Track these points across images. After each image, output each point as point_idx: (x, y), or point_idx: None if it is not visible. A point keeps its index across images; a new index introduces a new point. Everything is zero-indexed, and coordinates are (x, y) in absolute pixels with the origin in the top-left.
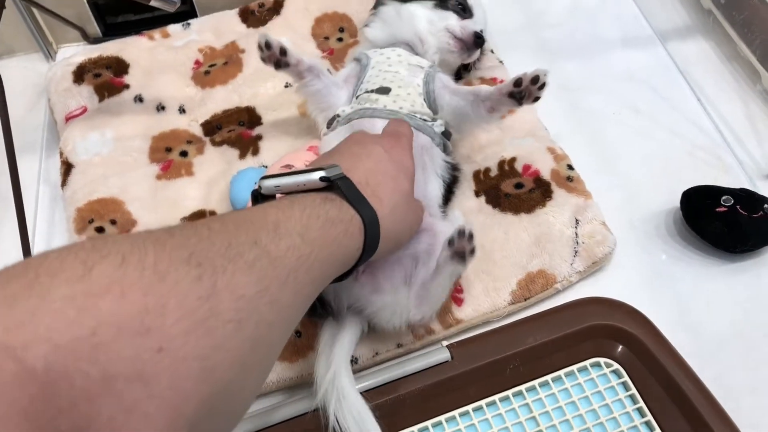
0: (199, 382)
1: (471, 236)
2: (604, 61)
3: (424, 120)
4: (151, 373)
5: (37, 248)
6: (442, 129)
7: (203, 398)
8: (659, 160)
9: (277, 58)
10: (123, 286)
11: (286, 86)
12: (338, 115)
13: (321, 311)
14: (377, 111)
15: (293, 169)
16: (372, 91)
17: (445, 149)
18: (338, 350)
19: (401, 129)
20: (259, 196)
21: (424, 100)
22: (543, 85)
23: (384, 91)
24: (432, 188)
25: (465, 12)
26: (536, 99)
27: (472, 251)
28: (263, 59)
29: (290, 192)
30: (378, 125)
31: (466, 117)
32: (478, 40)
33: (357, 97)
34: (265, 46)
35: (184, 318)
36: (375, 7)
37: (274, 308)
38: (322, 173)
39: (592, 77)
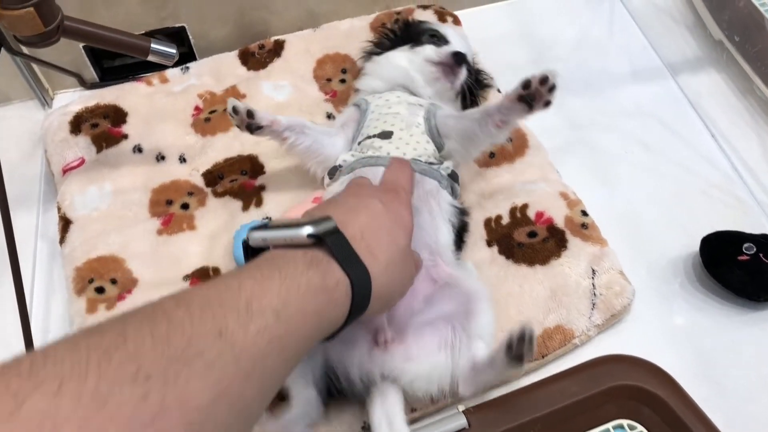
0: None
1: (531, 340)
2: (613, 95)
3: (431, 164)
4: None
5: (35, 311)
6: (449, 171)
7: None
8: (674, 201)
9: (246, 122)
10: (56, 421)
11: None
12: (340, 165)
13: (348, 389)
14: (381, 159)
15: (284, 221)
16: (374, 136)
17: (453, 192)
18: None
19: (400, 180)
20: (248, 248)
21: (428, 138)
22: (553, 87)
23: (386, 135)
24: (442, 234)
25: (440, 41)
26: (547, 103)
27: (531, 353)
28: (237, 126)
29: (278, 246)
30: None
31: (474, 138)
32: (456, 57)
33: (359, 144)
34: (233, 111)
35: None
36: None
37: (234, 408)
38: (310, 229)
39: (601, 113)
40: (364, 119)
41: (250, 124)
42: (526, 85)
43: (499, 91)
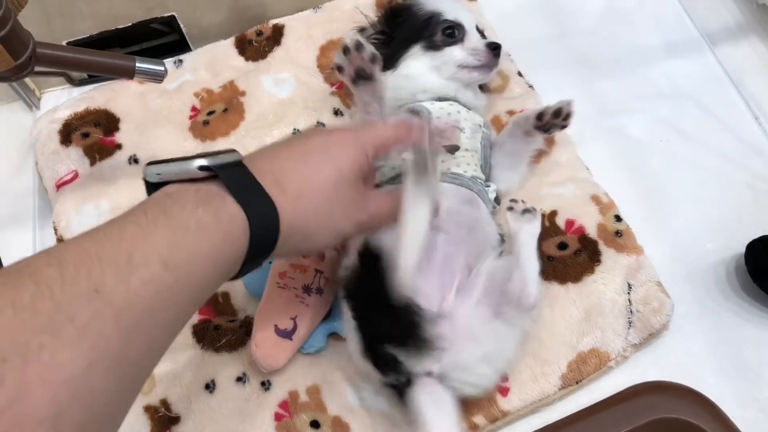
0: None
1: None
2: (645, 74)
3: (482, 184)
4: None
5: None
6: (494, 195)
7: None
8: (715, 196)
9: (365, 64)
10: None
11: (294, 132)
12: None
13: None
14: (441, 175)
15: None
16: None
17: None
18: None
19: (379, 129)
20: (147, 184)
21: (481, 165)
22: (568, 115)
23: (452, 150)
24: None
25: (458, 34)
26: (564, 127)
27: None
28: (338, 66)
29: (175, 180)
30: (446, 189)
31: (517, 152)
32: (495, 51)
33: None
34: (355, 48)
35: None
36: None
37: (115, 371)
38: (202, 161)
39: (632, 96)
40: None
41: (364, 70)
42: (540, 116)
43: (531, 87)
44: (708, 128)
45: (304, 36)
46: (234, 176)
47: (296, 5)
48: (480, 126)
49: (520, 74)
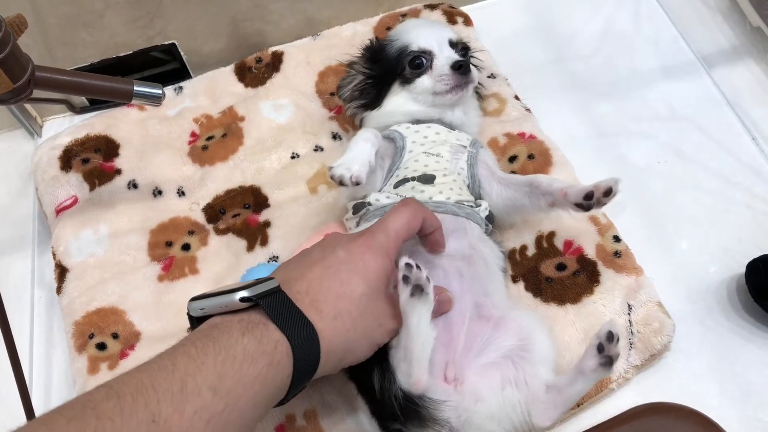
0: None
1: (618, 339)
2: (642, 97)
3: (471, 206)
4: None
5: (36, 366)
6: (487, 213)
7: None
8: (714, 217)
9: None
10: None
11: (293, 157)
12: (369, 204)
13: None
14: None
15: (224, 287)
16: (414, 179)
17: (488, 233)
18: None
19: (389, 222)
20: (191, 318)
21: (468, 186)
22: (614, 193)
23: (428, 180)
24: (496, 286)
25: (426, 62)
26: (603, 205)
27: (618, 355)
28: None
29: (218, 313)
30: None
31: (521, 208)
32: (461, 70)
33: (395, 186)
34: (340, 183)
35: None
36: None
37: None
38: (243, 293)
39: (630, 118)
40: (400, 158)
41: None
42: (589, 196)
43: (528, 110)
44: (706, 149)
45: (303, 62)
46: (274, 304)
47: (295, 33)
48: (465, 147)
49: (516, 98)
